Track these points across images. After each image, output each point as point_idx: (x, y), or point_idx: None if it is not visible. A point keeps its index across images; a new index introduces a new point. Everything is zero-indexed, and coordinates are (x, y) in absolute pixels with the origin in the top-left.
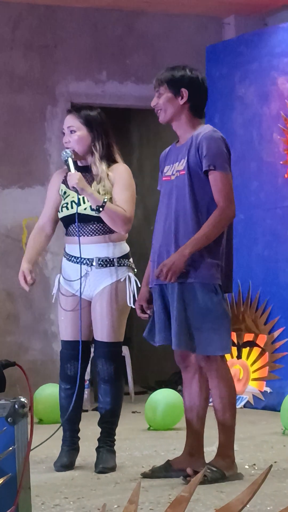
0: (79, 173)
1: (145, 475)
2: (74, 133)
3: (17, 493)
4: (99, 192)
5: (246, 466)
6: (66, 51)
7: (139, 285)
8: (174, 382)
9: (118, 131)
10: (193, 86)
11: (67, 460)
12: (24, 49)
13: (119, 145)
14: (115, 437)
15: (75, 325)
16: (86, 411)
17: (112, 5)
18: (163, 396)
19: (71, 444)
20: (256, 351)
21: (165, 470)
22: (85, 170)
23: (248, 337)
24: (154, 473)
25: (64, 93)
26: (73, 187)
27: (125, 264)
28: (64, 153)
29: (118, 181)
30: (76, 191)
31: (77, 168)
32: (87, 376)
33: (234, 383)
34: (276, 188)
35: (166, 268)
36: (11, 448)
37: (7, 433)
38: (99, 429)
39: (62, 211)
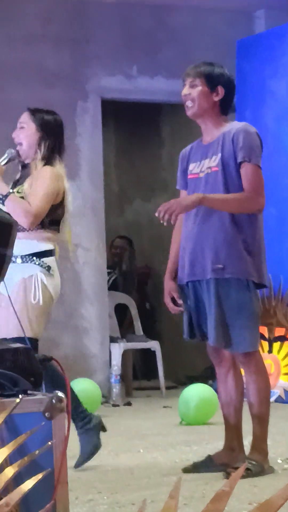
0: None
1: (186, 470)
2: (23, 129)
3: (54, 488)
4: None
5: (279, 461)
6: (97, 46)
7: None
8: (206, 377)
9: (148, 126)
10: (228, 85)
11: None
12: (54, 44)
13: (149, 140)
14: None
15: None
16: (118, 406)
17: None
18: (197, 391)
19: None
20: (287, 345)
21: (207, 465)
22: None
23: (279, 331)
24: (195, 468)
25: (95, 88)
26: None
27: (32, 262)
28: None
29: (37, 178)
30: None
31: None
32: (117, 371)
33: (268, 377)
34: None
35: (166, 207)
36: (49, 443)
37: (44, 428)
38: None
39: None
